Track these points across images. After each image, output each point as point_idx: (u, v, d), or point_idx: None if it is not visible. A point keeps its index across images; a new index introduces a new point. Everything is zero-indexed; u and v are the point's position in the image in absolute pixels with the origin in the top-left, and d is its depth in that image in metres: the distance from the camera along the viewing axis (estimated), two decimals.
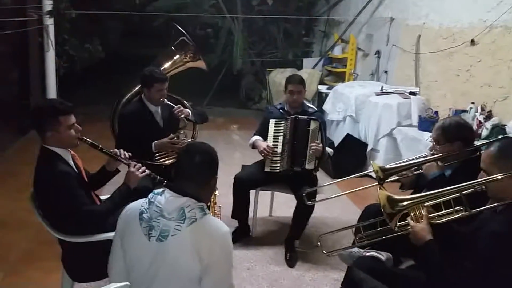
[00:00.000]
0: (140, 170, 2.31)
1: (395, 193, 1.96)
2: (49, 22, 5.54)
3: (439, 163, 2.39)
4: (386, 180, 2.32)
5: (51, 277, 2.74)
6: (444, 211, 1.93)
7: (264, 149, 3.20)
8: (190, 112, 3.32)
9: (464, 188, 1.86)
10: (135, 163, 2.35)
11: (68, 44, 6.25)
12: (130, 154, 2.41)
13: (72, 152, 2.28)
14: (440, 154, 2.34)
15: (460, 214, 1.88)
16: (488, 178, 1.78)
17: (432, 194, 1.92)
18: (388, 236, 2.12)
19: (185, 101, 3.63)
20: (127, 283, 1.70)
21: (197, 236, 1.54)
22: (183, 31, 4.25)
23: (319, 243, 2.62)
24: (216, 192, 2.05)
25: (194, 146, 1.78)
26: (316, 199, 2.99)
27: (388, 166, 2.37)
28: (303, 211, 3.13)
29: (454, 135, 2.31)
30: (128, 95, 4.28)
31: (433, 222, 1.91)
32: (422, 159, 2.42)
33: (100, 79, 8.54)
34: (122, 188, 2.28)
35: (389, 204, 1.90)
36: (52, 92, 5.76)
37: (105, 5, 7.06)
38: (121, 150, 2.38)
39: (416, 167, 2.46)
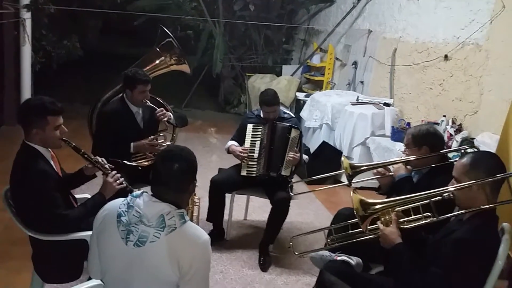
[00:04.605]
0: (117, 182, 2.30)
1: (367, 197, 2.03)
2: (26, 16, 5.44)
3: (408, 167, 2.49)
4: (354, 178, 2.43)
5: (20, 276, 2.68)
6: (413, 217, 2.01)
7: (240, 152, 3.24)
8: (171, 115, 3.32)
9: (434, 194, 1.94)
10: (113, 172, 2.33)
11: (45, 39, 6.13)
12: (112, 166, 2.39)
13: (52, 153, 2.25)
14: (408, 157, 2.46)
15: (429, 220, 1.96)
16: (459, 185, 1.87)
17: (403, 198, 2.01)
18: (359, 239, 2.19)
19: (166, 104, 3.60)
20: (100, 282, 1.70)
21: (177, 245, 1.53)
22: (170, 33, 4.19)
23: (290, 244, 2.67)
24: (197, 183, 1.97)
25: (172, 153, 1.64)
26: (290, 203, 3.13)
27: (357, 164, 2.47)
28: (278, 216, 3.18)
29: (422, 140, 2.44)
30: (109, 93, 4.19)
31: (402, 226, 2.00)
32: (390, 160, 2.56)
33: (76, 77, 8.40)
34: (96, 197, 2.26)
35: (362, 207, 1.97)
36: (26, 87, 5.64)
37: (86, 2, 6.97)
38: (103, 159, 2.38)
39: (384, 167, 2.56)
